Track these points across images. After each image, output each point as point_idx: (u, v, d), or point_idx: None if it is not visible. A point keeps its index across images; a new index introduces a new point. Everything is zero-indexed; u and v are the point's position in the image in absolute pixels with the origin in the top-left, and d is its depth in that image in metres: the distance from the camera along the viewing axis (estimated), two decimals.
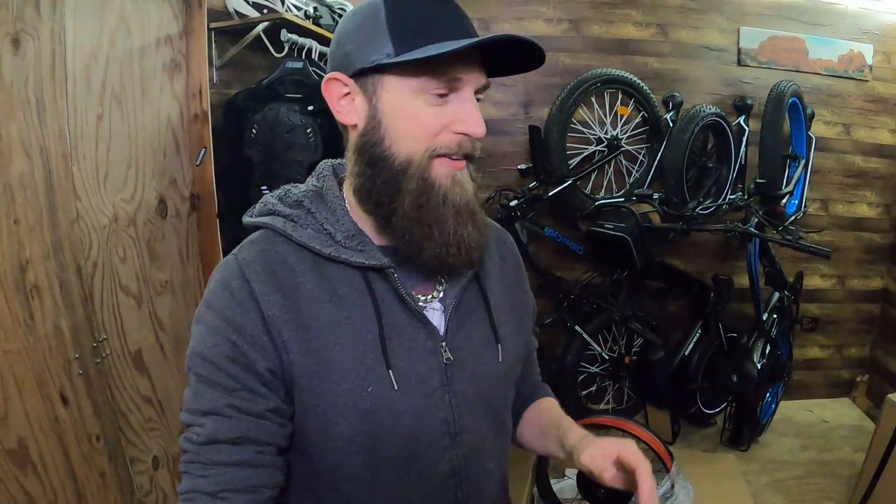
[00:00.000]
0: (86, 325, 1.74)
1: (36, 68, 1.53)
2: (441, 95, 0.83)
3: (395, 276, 0.89)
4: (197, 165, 2.12)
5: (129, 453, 1.95)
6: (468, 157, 0.87)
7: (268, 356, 0.84)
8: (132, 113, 1.89)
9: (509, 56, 0.86)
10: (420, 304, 0.92)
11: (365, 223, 0.91)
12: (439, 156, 0.85)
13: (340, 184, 0.96)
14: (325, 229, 0.89)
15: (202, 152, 2.10)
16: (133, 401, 1.96)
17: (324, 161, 1.00)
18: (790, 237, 2.29)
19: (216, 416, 0.82)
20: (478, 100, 0.87)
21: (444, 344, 0.92)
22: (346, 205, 0.92)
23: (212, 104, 2.11)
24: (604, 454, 0.90)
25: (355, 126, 0.87)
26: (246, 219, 0.97)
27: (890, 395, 2.36)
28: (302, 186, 0.95)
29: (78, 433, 1.72)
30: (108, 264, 1.83)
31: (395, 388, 0.87)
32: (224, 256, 2.16)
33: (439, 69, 0.81)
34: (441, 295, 0.95)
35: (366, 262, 0.87)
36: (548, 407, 1.19)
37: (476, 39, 0.78)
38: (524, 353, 1.10)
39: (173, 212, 2.09)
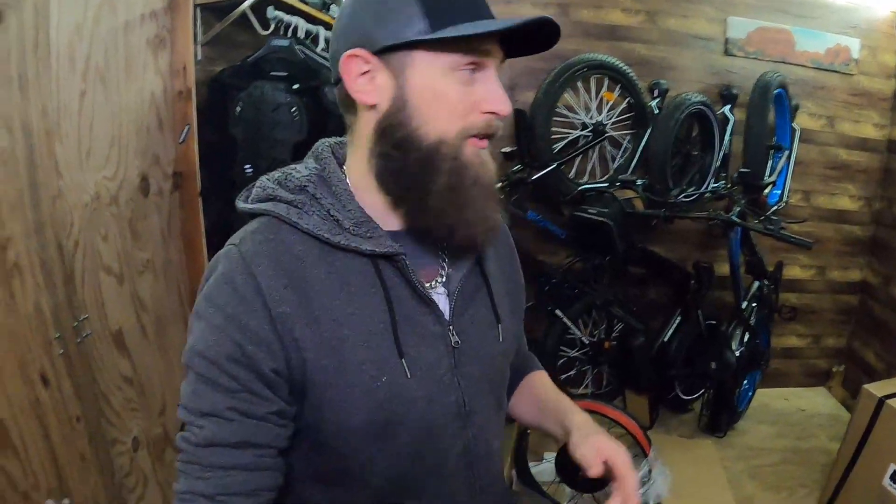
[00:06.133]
0: (66, 305, 1.72)
1: (19, 43, 1.49)
2: (471, 72, 0.83)
3: (406, 262, 0.87)
4: (180, 143, 2.09)
5: (110, 435, 1.94)
6: (489, 136, 0.88)
7: (274, 356, 0.81)
8: (116, 90, 1.85)
9: (523, 38, 0.86)
10: (428, 289, 0.91)
11: (372, 208, 0.89)
12: (470, 136, 0.85)
13: (340, 166, 0.93)
14: (332, 216, 0.86)
15: (185, 130, 2.07)
16: (114, 382, 1.94)
17: (321, 141, 0.97)
18: (772, 227, 2.31)
19: (216, 418, 0.80)
20: None
21: (451, 328, 0.93)
22: (352, 189, 0.89)
23: (196, 81, 2.08)
24: (597, 452, 0.97)
25: (374, 106, 0.84)
26: (242, 205, 0.92)
27: (866, 386, 2.39)
28: (302, 169, 0.91)
29: (59, 415, 1.70)
30: (89, 243, 1.80)
31: (408, 375, 0.87)
32: (206, 235, 2.16)
33: (467, 46, 0.81)
34: (444, 279, 0.95)
35: (376, 249, 0.85)
36: (542, 382, 1.24)
37: (522, 19, 0.79)
38: (519, 331, 1.13)
39: (156, 190, 2.06)
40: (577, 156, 3.14)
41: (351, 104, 0.87)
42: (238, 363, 0.80)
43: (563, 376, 3.37)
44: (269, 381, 0.81)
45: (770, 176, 3.11)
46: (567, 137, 3.12)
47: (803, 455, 3.02)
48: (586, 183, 3.11)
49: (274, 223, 0.86)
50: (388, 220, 0.90)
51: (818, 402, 3.57)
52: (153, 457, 2.09)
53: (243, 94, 2.08)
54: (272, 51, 2.14)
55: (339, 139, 0.98)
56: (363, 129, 0.87)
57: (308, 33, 2.29)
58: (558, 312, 3.06)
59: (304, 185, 0.87)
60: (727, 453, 2.99)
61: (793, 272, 3.56)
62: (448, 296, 0.94)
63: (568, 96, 3.07)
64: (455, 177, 0.84)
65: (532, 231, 3.22)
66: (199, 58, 2.14)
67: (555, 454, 2.57)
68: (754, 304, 3.12)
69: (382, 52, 0.81)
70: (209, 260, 2.15)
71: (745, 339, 3.03)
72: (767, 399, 3.48)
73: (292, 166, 0.92)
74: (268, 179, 0.91)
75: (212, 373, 0.80)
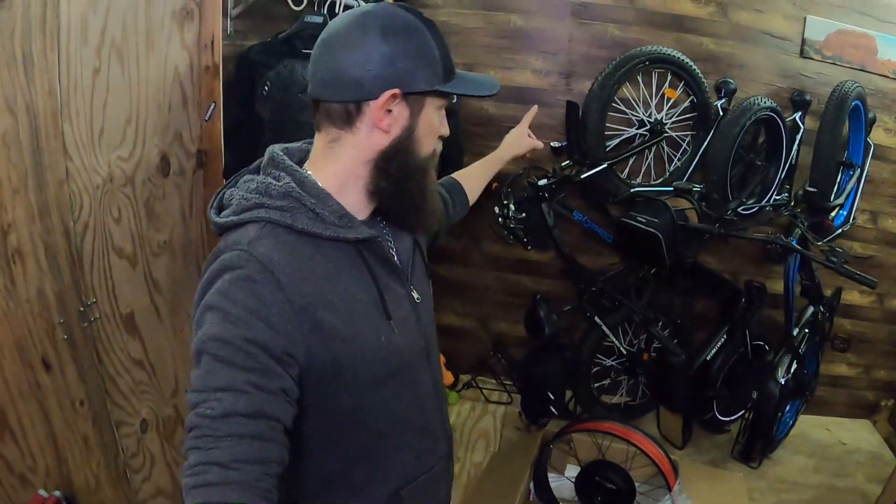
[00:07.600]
0: (73, 289, 1.71)
1: (24, 20, 1.43)
2: (443, 109, 1.11)
3: (382, 243, 1.10)
4: (206, 121, 2.01)
5: (116, 417, 1.94)
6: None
7: (291, 341, 0.94)
8: (134, 65, 1.78)
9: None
10: (395, 260, 1.15)
11: (347, 203, 1.06)
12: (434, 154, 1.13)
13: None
14: (318, 214, 1.01)
15: (212, 107, 1.99)
16: (122, 364, 1.93)
17: (271, 149, 1.10)
18: (835, 259, 2.09)
19: (234, 391, 0.87)
20: None
21: (411, 287, 1.18)
22: (326, 189, 1.04)
23: (224, 56, 1.99)
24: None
25: (386, 133, 1.03)
26: (223, 219, 1.03)
27: None
28: (274, 180, 1.03)
29: (60, 398, 1.73)
30: (100, 225, 1.77)
31: (396, 332, 1.09)
32: None
33: (447, 94, 1.08)
34: (394, 251, 1.17)
35: (359, 236, 1.04)
36: (461, 172, 1.72)
37: (495, 89, 1.17)
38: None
39: (177, 169, 2.00)
40: (632, 155, 2.94)
41: (349, 122, 1.03)
42: (255, 344, 0.90)
43: (598, 384, 3.25)
44: (282, 361, 0.92)
45: (838, 198, 2.87)
46: (622, 135, 2.93)
47: (838, 494, 2.85)
48: (639, 185, 2.93)
49: (270, 228, 1.00)
50: (359, 212, 1.09)
51: (861, 436, 3.35)
52: (163, 437, 2.11)
53: (272, 74, 1.98)
54: (305, 27, 2.05)
55: (284, 146, 1.13)
56: (363, 145, 1.05)
57: (347, 7, 2.15)
58: (597, 320, 2.94)
59: (289, 192, 1.01)
60: (757, 485, 2.84)
61: (850, 297, 3.30)
62: (401, 263, 1.17)
63: (626, 90, 2.88)
64: (424, 181, 1.11)
65: (577, 231, 3.10)
66: (229, 32, 2.04)
67: (577, 471, 2.47)
68: (806, 331, 2.92)
69: (409, 93, 1.02)
70: None
71: (793, 368, 2.84)
72: (808, 427, 3.29)
73: (257, 178, 1.06)
74: (244, 192, 1.04)
75: (228, 353, 0.89)
